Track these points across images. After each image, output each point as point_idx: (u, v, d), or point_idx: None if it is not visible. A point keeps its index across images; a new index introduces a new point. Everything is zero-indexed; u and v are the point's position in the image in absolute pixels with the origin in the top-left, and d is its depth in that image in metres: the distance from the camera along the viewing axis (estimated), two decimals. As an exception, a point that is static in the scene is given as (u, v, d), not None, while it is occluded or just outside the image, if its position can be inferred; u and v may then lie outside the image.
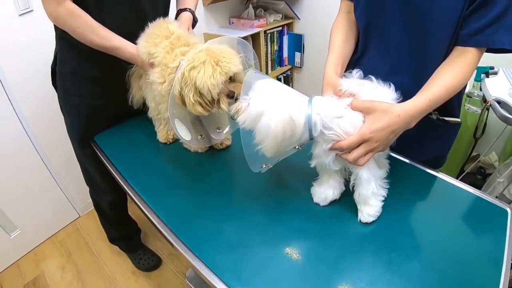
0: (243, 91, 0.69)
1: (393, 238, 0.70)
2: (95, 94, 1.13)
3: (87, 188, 1.43)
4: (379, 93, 0.73)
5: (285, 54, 2.73)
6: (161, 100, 0.97)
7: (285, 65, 2.79)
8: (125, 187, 0.92)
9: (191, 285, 1.06)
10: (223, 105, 0.82)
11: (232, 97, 0.82)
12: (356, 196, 0.73)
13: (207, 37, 2.29)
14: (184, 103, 0.83)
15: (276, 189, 0.87)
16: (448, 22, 0.72)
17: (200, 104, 0.81)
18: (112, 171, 1.00)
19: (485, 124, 1.30)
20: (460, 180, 1.87)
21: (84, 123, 1.16)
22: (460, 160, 1.92)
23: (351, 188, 0.75)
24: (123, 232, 1.63)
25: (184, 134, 0.91)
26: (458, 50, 0.73)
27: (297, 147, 0.71)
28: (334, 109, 0.68)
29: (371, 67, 0.87)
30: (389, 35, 0.83)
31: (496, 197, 1.50)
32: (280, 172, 0.92)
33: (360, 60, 0.93)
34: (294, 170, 0.92)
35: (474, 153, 1.91)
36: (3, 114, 1.55)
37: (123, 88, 1.14)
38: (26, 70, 1.54)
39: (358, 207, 0.74)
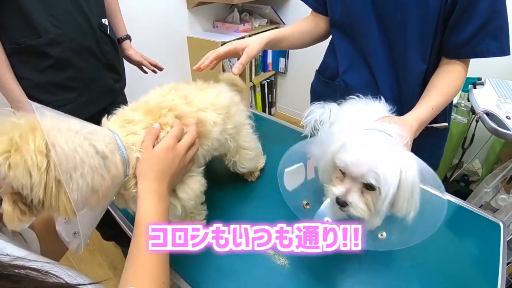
0: None
1: (391, 259, 0.67)
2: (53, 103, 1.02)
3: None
4: (372, 111, 0.69)
5: (269, 59, 2.70)
6: None
7: (269, 71, 2.75)
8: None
9: None
10: None
11: None
12: None
13: (191, 40, 2.21)
14: None
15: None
16: (424, 33, 0.71)
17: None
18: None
19: (473, 135, 1.30)
20: (444, 188, 1.92)
21: None
22: (444, 167, 1.94)
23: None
24: (117, 228, 1.57)
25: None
26: (446, 61, 0.74)
27: None
28: None
29: (349, 83, 0.88)
30: (368, 48, 0.81)
31: (482, 205, 1.52)
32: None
33: (344, 75, 0.90)
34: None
35: (456, 160, 1.94)
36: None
37: (81, 89, 1.07)
38: None
39: None
